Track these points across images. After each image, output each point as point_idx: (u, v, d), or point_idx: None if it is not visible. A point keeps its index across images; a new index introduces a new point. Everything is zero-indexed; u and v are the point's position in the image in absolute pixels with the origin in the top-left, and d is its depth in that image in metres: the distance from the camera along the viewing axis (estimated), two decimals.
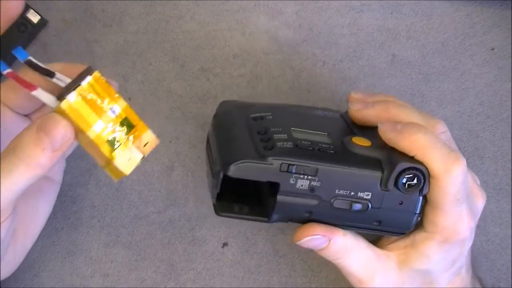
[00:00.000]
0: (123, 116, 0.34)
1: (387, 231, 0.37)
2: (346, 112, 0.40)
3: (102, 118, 0.33)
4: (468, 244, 0.37)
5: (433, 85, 0.49)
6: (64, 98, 0.33)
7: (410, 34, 0.49)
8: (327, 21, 0.49)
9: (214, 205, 0.36)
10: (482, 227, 0.46)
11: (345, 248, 0.37)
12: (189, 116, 0.49)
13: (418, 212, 0.36)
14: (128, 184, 0.48)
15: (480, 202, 0.38)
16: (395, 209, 0.35)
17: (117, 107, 0.34)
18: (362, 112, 0.37)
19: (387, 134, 0.35)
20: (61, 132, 0.32)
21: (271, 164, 0.34)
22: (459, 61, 0.49)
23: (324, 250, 0.37)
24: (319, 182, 0.34)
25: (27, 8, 0.48)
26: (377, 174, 0.34)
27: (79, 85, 0.33)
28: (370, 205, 0.35)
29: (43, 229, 0.48)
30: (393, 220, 0.36)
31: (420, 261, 0.37)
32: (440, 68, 0.49)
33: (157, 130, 0.48)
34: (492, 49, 0.49)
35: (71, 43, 0.50)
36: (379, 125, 0.36)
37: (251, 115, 0.39)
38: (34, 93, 0.34)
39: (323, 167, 0.34)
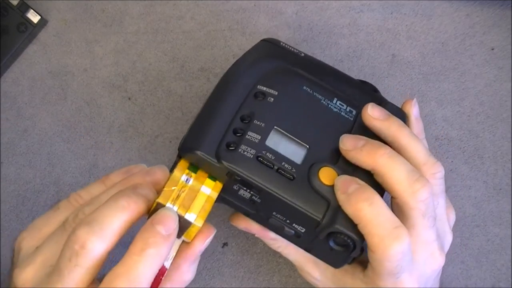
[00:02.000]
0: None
1: (316, 258, 0.37)
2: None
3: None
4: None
5: (433, 85, 0.49)
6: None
7: (410, 34, 0.49)
8: (327, 21, 0.49)
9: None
10: (482, 227, 0.46)
11: (275, 246, 0.40)
12: (189, 116, 0.49)
13: (347, 262, 0.36)
14: None
15: (433, 267, 0.36)
16: (326, 251, 0.35)
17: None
18: (350, 154, 0.35)
19: (338, 195, 0.34)
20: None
21: (222, 167, 0.33)
22: (459, 61, 0.49)
23: (257, 236, 0.40)
24: (259, 199, 0.34)
25: (27, 8, 0.48)
26: (317, 219, 0.33)
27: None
28: (302, 236, 0.35)
29: None
30: (322, 257, 0.37)
31: (352, 282, 0.37)
32: (440, 68, 0.49)
33: (157, 130, 0.49)
34: (492, 49, 0.49)
35: (71, 43, 0.50)
36: (335, 180, 0.34)
37: (258, 86, 0.37)
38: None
39: (268, 191, 0.33)
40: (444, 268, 0.37)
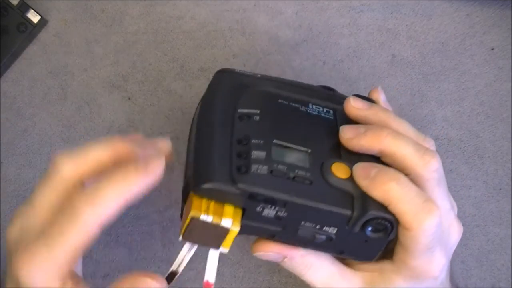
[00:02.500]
0: None
1: (349, 257, 0.37)
2: (343, 106, 0.38)
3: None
4: (439, 280, 0.36)
5: (433, 85, 0.49)
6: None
7: (410, 34, 0.49)
8: (327, 21, 0.49)
9: (180, 232, 0.35)
10: (482, 227, 0.46)
11: (304, 265, 0.36)
12: (189, 116, 0.49)
13: (382, 250, 0.35)
14: None
15: (455, 237, 0.37)
16: (360, 245, 0.35)
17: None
18: (353, 141, 0.36)
19: (361, 182, 0.34)
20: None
21: (241, 191, 0.33)
22: (459, 61, 0.49)
23: (282, 264, 0.37)
24: (285, 213, 0.34)
25: (27, 8, 0.48)
26: (346, 213, 0.33)
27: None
28: (334, 238, 0.35)
29: None
30: (357, 252, 0.36)
31: (382, 279, 0.36)
32: (440, 68, 0.49)
33: (157, 130, 0.49)
34: (492, 49, 0.49)
35: (71, 43, 0.50)
36: (353, 169, 0.35)
37: (238, 110, 0.37)
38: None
39: (293, 201, 0.33)
40: None
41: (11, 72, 0.49)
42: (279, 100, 0.39)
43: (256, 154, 0.34)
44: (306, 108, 0.39)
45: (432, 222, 0.33)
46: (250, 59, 0.49)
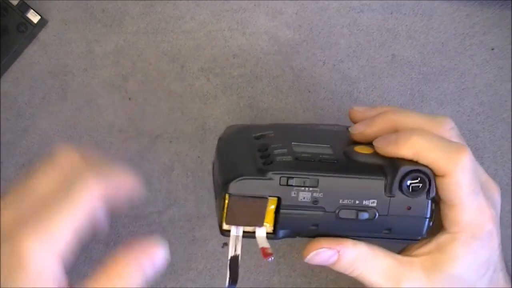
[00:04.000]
0: None
1: (399, 238, 0.36)
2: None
3: None
4: (496, 240, 0.35)
5: (433, 85, 0.49)
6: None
7: (410, 34, 0.49)
8: (327, 21, 0.49)
9: (219, 227, 0.35)
10: None
11: (359, 258, 0.35)
12: (189, 116, 0.49)
13: (428, 216, 0.35)
14: None
15: (496, 195, 0.37)
16: (404, 215, 0.34)
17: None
18: (365, 132, 0.36)
19: (384, 149, 0.34)
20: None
21: (271, 179, 0.33)
22: (459, 61, 0.49)
23: (336, 264, 0.35)
24: (321, 193, 0.34)
25: (27, 8, 0.48)
26: (381, 180, 0.34)
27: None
28: (377, 213, 0.34)
29: None
30: (403, 226, 0.35)
31: (448, 265, 0.34)
32: (440, 68, 0.49)
33: (157, 130, 0.49)
34: (492, 49, 0.49)
35: (71, 43, 0.50)
36: (374, 143, 0.35)
37: (253, 135, 0.39)
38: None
39: (324, 177, 0.33)
40: None
41: (11, 72, 0.49)
42: (290, 126, 0.42)
43: (278, 151, 0.35)
44: (316, 127, 0.41)
45: (466, 158, 0.33)
46: (250, 59, 0.49)
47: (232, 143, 0.39)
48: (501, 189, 0.47)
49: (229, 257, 0.34)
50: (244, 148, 0.37)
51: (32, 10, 0.48)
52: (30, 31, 0.49)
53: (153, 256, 0.32)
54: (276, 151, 0.35)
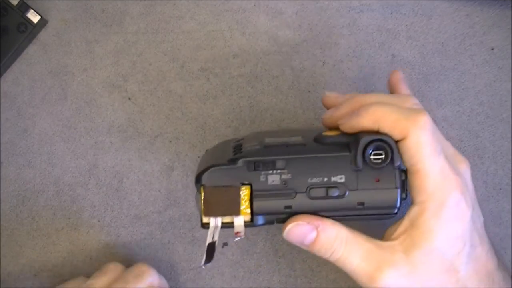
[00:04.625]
0: None
1: (375, 214, 0.36)
2: None
3: None
4: (467, 212, 0.35)
5: (433, 85, 0.49)
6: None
7: (410, 34, 0.49)
8: (327, 21, 0.49)
9: (200, 221, 0.36)
10: None
11: (338, 238, 0.35)
12: (189, 116, 0.49)
13: (398, 186, 0.35)
14: (128, 184, 0.48)
15: (463, 167, 0.37)
16: (374, 188, 0.35)
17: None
18: (334, 114, 0.37)
19: (348, 124, 0.35)
20: None
21: (240, 165, 0.35)
22: (459, 61, 0.49)
23: (315, 243, 0.35)
24: (289, 174, 0.35)
25: (27, 8, 0.48)
26: (345, 155, 0.35)
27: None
28: (347, 189, 0.35)
29: (43, 229, 0.48)
30: (376, 200, 0.35)
31: (424, 239, 0.34)
32: (440, 68, 0.49)
33: (157, 130, 0.49)
34: (492, 49, 0.49)
35: (71, 43, 0.50)
36: (338, 122, 0.36)
37: (234, 141, 0.40)
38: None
39: (291, 159, 0.35)
40: None
41: (11, 72, 0.49)
42: (274, 130, 0.43)
43: (249, 144, 0.37)
44: (297, 130, 0.43)
45: (424, 118, 0.34)
46: (250, 59, 0.49)
47: (214, 149, 0.42)
48: (500, 189, 0.47)
49: (206, 243, 0.36)
50: (221, 151, 0.39)
51: (32, 10, 0.48)
52: (30, 31, 0.49)
53: None
54: (247, 145, 0.37)
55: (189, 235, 0.48)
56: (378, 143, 0.34)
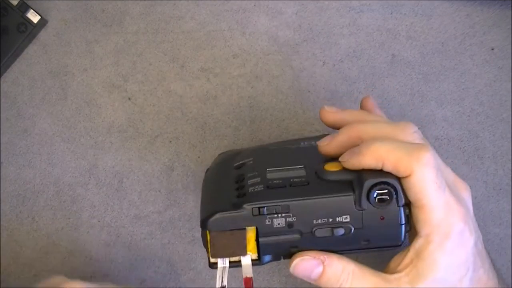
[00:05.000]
0: None
1: (380, 247, 0.36)
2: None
3: None
4: (470, 239, 0.36)
5: (433, 85, 0.49)
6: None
7: (410, 34, 0.49)
8: (327, 21, 0.49)
9: (208, 261, 0.37)
10: (482, 227, 0.46)
11: (345, 271, 0.35)
12: (189, 116, 0.49)
13: (403, 222, 0.35)
14: (128, 184, 0.48)
15: (465, 193, 0.37)
16: (379, 225, 0.35)
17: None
18: (331, 144, 0.37)
19: (350, 162, 0.35)
20: None
21: (244, 211, 0.35)
22: (459, 61, 0.49)
23: (322, 277, 0.35)
24: (294, 217, 0.35)
25: (27, 8, 0.48)
26: (350, 196, 0.34)
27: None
28: (352, 227, 0.35)
29: (43, 229, 0.48)
30: (381, 236, 0.36)
31: (429, 270, 0.35)
32: (440, 68, 0.49)
33: (157, 130, 0.49)
34: (492, 49, 0.49)
35: (71, 43, 0.50)
36: (340, 158, 0.36)
37: (234, 164, 0.40)
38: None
39: (294, 202, 0.35)
40: None
41: (11, 72, 0.49)
42: (271, 147, 0.42)
43: (252, 181, 0.37)
44: (297, 145, 0.42)
45: (427, 155, 0.33)
46: (250, 59, 0.49)
47: (215, 174, 0.41)
48: (500, 189, 0.47)
49: None
50: (224, 180, 0.39)
51: (32, 10, 0.48)
52: (30, 31, 0.49)
53: None
54: (250, 181, 0.37)
55: (189, 235, 0.48)
56: (382, 185, 0.34)
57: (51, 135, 0.49)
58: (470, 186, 0.47)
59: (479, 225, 0.46)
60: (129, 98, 0.49)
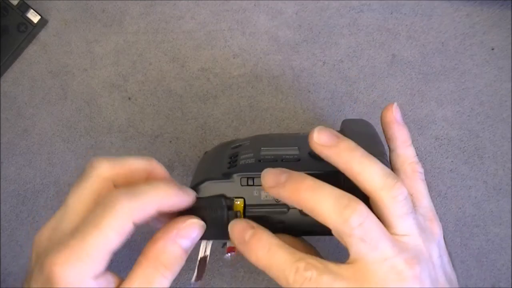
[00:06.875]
0: None
1: None
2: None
3: None
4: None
5: (433, 85, 0.49)
6: None
7: (410, 34, 0.49)
8: (327, 21, 0.49)
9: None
10: (482, 227, 0.46)
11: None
12: (189, 116, 0.49)
13: None
14: None
15: (436, 230, 0.33)
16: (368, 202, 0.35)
17: None
18: (273, 191, 0.33)
19: (271, 190, 0.33)
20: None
21: (233, 180, 0.35)
22: (459, 61, 0.49)
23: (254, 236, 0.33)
24: None
25: (27, 8, 0.48)
26: (339, 173, 0.34)
27: None
28: None
29: None
30: None
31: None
32: (440, 68, 0.49)
33: (157, 130, 0.49)
34: (492, 49, 0.49)
35: (71, 43, 0.50)
36: (262, 183, 0.33)
37: (231, 146, 0.40)
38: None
39: None
40: None
41: (11, 72, 0.49)
42: (272, 135, 0.42)
43: (244, 156, 0.37)
44: (296, 134, 0.42)
45: (354, 216, 0.30)
46: (250, 59, 0.49)
47: (212, 154, 0.42)
48: (500, 189, 0.47)
49: (198, 258, 0.36)
50: (219, 158, 0.39)
51: (32, 10, 0.48)
52: (30, 31, 0.49)
53: (188, 232, 0.33)
54: (243, 156, 0.37)
55: None
56: None
57: (51, 135, 0.49)
58: (470, 186, 0.47)
59: (479, 225, 0.47)
60: (129, 98, 0.49)
